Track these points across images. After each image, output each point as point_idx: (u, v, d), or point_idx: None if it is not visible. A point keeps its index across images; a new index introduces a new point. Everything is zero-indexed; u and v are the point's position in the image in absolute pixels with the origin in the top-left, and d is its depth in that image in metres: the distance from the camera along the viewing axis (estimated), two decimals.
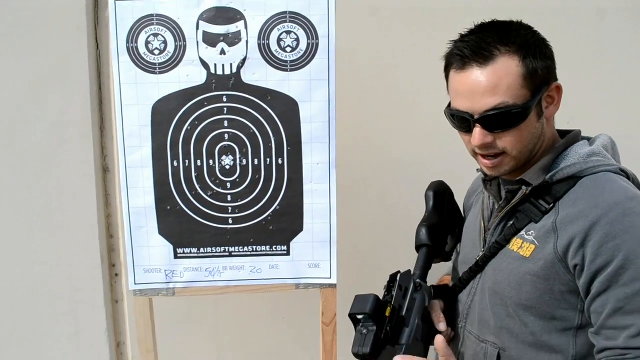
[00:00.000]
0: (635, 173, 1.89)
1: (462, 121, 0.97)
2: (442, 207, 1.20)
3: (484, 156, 0.99)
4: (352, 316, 0.99)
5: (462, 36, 0.99)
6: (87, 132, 1.63)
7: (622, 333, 0.88)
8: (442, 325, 1.08)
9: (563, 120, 1.73)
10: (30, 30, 1.60)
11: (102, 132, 1.66)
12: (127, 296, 1.69)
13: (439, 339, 0.99)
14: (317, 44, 1.25)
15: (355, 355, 0.97)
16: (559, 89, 1.00)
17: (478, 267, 1.06)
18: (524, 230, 0.99)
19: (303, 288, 1.33)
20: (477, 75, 0.93)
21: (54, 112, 1.63)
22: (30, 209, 1.65)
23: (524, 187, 0.99)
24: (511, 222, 1.02)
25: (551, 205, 0.96)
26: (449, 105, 1.01)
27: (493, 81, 0.92)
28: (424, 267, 1.13)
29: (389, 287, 1.03)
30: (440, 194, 1.22)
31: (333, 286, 1.32)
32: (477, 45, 0.94)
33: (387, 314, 0.99)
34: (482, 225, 1.10)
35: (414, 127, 1.71)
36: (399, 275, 1.06)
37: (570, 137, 1.03)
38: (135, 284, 1.33)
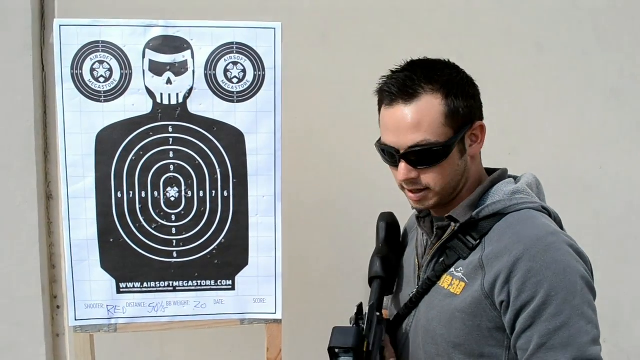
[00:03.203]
0: (571, 202, 2.09)
1: (389, 155, 1.10)
2: (392, 239, 1.31)
3: (409, 190, 1.11)
4: (331, 349, 1.03)
5: (391, 72, 1.12)
6: (30, 157, 1.72)
7: None
8: None
9: (504, 151, 1.91)
10: None
11: (46, 157, 1.76)
12: (68, 330, 1.77)
13: None
14: (264, 76, 1.36)
15: None
16: (482, 127, 1.12)
17: (412, 304, 1.16)
18: (453, 267, 1.10)
19: (248, 323, 1.41)
20: (403, 112, 1.06)
21: None
22: None
23: (452, 224, 1.10)
24: (442, 259, 1.13)
25: (477, 241, 1.08)
26: (380, 139, 1.13)
27: (416, 118, 1.05)
28: (380, 299, 1.21)
29: (357, 319, 1.10)
30: (392, 225, 1.33)
31: (278, 321, 1.41)
32: (403, 83, 1.07)
33: (365, 348, 1.05)
34: (416, 262, 1.21)
35: (362, 160, 1.84)
36: (367, 307, 1.14)
37: (496, 175, 1.15)
38: (76, 319, 1.39)
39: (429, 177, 1.08)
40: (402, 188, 1.13)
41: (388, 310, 1.33)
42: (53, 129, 1.72)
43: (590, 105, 2.03)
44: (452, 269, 1.11)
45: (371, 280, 1.25)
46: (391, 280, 1.25)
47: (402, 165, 1.07)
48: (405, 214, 1.38)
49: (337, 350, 1.03)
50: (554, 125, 2.02)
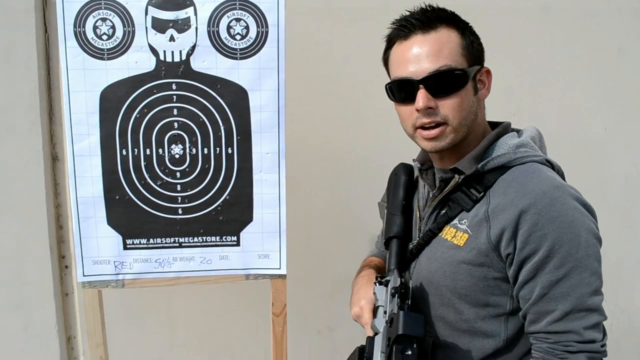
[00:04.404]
0: (576, 163, 2.11)
1: (405, 87, 1.09)
2: (411, 195, 1.29)
3: (426, 125, 1.11)
4: (402, 336, 1.00)
5: (402, 16, 1.15)
6: (35, 118, 1.75)
7: (545, 317, 1.02)
8: None
9: (509, 112, 1.93)
10: None
11: (51, 118, 1.78)
12: (77, 289, 1.81)
13: None
14: (267, 32, 1.36)
15: None
16: (488, 73, 1.15)
17: (412, 255, 1.19)
18: (457, 218, 1.12)
19: (253, 279, 1.44)
20: (421, 41, 1.09)
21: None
22: None
23: (456, 176, 1.12)
24: (444, 211, 1.14)
25: (482, 194, 1.09)
26: (391, 79, 1.14)
27: (436, 46, 1.08)
28: (400, 262, 1.21)
29: (402, 294, 1.07)
30: (412, 180, 1.31)
31: (283, 277, 1.44)
32: (419, 17, 1.10)
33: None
34: (417, 214, 1.23)
35: (364, 118, 1.86)
36: (411, 283, 1.14)
37: (500, 129, 1.16)
38: (84, 275, 1.43)
39: (447, 108, 1.09)
40: (415, 130, 1.13)
41: (376, 254, 1.36)
42: (57, 91, 1.74)
43: (596, 66, 2.03)
44: (455, 221, 1.13)
45: (389, 240, 1.24)
46: (408, 240, 1.25)
47: (421, 92, 1.08)
48: None
49: (404, 339, 1.01)
50: (559, 87, 2.03)
